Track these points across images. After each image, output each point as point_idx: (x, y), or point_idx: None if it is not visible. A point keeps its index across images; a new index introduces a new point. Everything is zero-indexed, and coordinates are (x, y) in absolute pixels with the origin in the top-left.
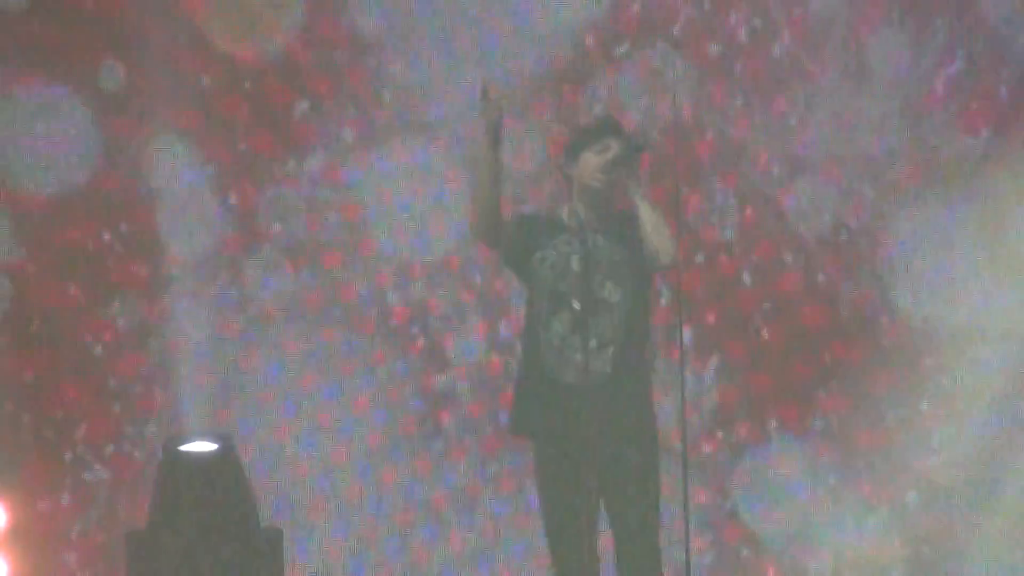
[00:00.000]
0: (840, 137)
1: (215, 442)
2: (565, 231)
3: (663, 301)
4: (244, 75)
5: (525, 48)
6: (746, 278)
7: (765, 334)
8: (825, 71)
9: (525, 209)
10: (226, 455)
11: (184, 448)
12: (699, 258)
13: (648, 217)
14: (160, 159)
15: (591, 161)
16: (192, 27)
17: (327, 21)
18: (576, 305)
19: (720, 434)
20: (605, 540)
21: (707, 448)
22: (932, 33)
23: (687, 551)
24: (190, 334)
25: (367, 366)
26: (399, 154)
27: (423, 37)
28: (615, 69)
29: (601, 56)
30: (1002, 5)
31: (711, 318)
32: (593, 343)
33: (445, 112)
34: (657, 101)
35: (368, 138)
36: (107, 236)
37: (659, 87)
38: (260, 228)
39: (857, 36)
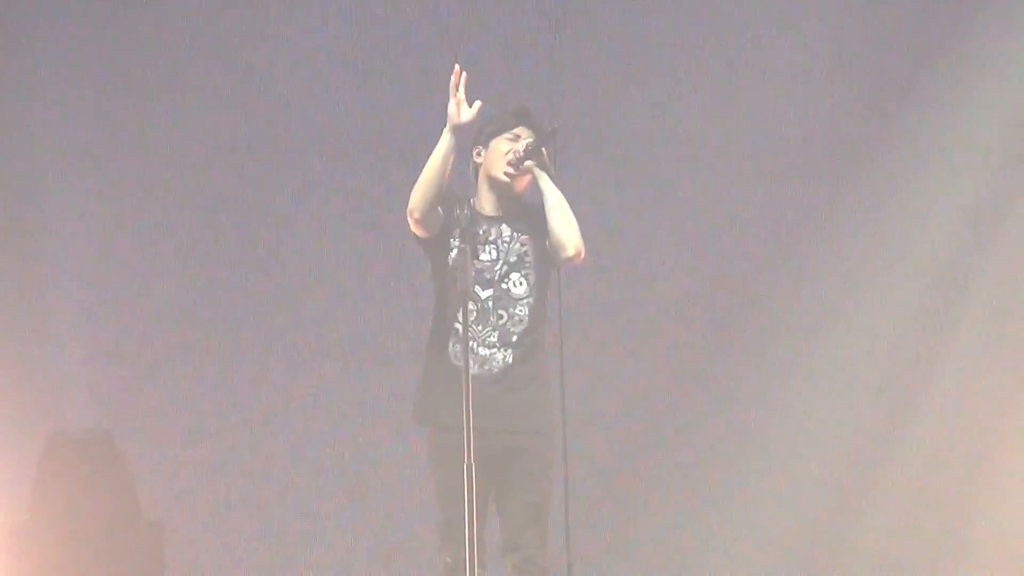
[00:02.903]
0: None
1: (98, 433)
2: (477, 222)
3: None
4: None
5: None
6: (632, 270)
7: (652, 323)
8: (714, 59)
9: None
10: (109, 447)
11: (67, 440)
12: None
13: (555, 206)
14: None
15: (501, 149)
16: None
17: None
18: (482, 296)
19: (608, 421)
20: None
21: (593, 435)
22: (817, 20)
23: (567, 541)
24: (73, 325)
25: (255, 357)
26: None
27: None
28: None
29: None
30: None
31: (596, 309)
32: (495, 336)
33: None
34: (539, 87)
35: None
36: None
37: (541, 72)
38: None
39: (745, 22)
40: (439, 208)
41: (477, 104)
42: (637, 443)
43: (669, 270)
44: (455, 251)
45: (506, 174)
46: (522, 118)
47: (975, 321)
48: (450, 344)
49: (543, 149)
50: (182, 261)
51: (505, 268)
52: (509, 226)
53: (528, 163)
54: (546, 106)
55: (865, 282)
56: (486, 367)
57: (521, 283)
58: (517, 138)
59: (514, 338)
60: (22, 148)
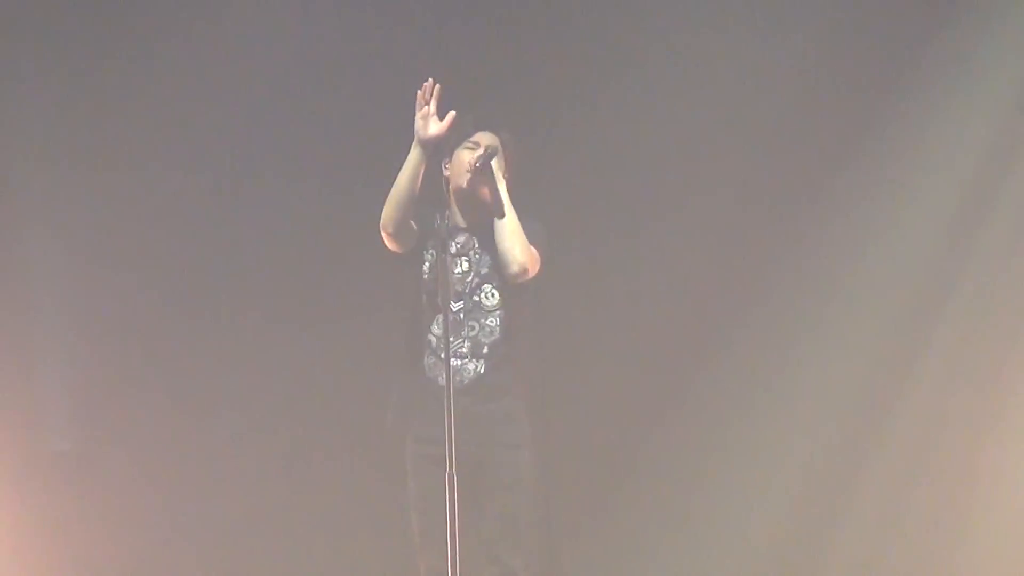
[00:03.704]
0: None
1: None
2: (449, 232)
3: None
4: None
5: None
6: (611, 277)
7: (630, 331)
8: (696, 57)
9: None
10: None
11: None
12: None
13: (503, 221)
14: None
15: (463, 159)
16: None
17: None
18: (454, 308)
19: (588, 430)
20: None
21: (573, 445)
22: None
23: (548, 552)
24: (51, 343)
25: (237, 369)
26: None
27: None
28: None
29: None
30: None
31: (573, 317)
32: (466, 347)
33: None
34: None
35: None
36: None
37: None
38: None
39: (729, 18)
40: (412, 222)
41: (450, 116)
42: (617, 453)
43: (648, 276)
44: (427, 264)
45: (466, 179)
46: (479, 124)
47: (961, 325)
48: (424, 356)
49: (494, 159)
50: (162, 274)
51: (477, 280)
52: (479, 238)
53: (486, 168)
54: (522, 111)
55: (851, 285)
56: (456, 378)
57: (493, 295)
58: (477, 145)
59: (485, 349)
60: (2, 166)
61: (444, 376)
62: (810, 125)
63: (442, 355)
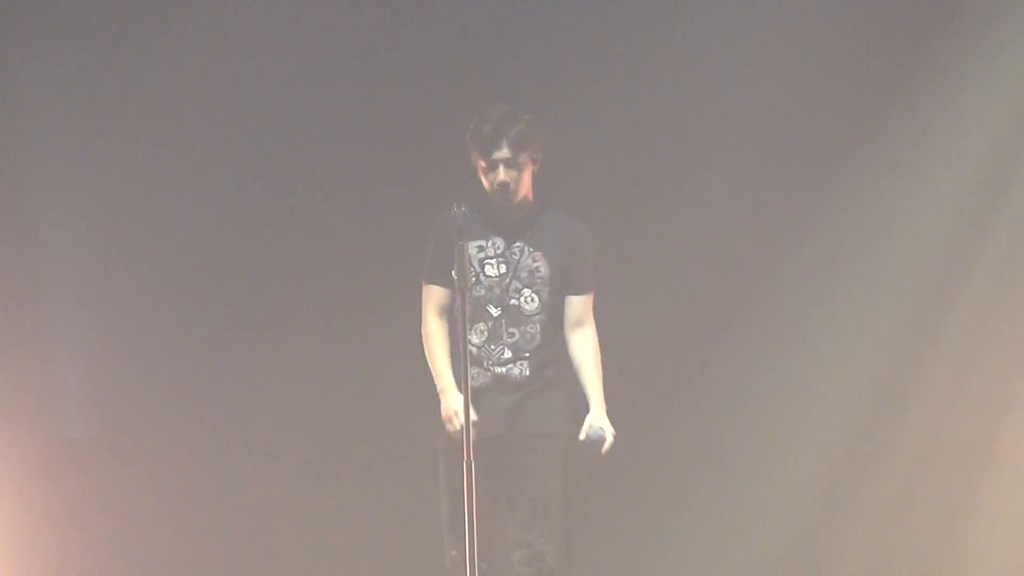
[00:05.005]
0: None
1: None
2: (484, 234)
3: None
4: None
5: None
6: (627, 271)
7: (646, 324)
8: (707, 59)
9: (442, 215)
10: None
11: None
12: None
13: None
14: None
15: (483, 180)
16: None
17: None
18: (493, 313)
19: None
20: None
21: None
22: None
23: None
24: (70, 330)
25: (252, 359)
26: None
27: None
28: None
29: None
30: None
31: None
32: (508, 354)
33: None
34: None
35: None
36: None
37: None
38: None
39: (738, 21)
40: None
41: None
42: (634, 442)
43: (665, 271)
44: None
45: (502, 180)
46: (477, 145)
47: (968, 320)
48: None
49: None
50: (178, 268)
51: (516, 284)
52: (520, 239)
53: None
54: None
55: (858, 282)
56: (505, 382)
57: (532, 300)
58: (495, 164)
59: (527, 354)
60: (18, 155)
61: (487, 383)
62: (819, 125)
63: (484, 363)
